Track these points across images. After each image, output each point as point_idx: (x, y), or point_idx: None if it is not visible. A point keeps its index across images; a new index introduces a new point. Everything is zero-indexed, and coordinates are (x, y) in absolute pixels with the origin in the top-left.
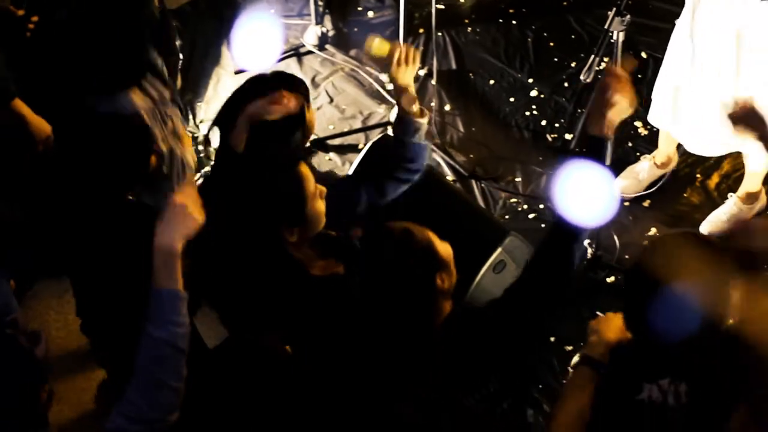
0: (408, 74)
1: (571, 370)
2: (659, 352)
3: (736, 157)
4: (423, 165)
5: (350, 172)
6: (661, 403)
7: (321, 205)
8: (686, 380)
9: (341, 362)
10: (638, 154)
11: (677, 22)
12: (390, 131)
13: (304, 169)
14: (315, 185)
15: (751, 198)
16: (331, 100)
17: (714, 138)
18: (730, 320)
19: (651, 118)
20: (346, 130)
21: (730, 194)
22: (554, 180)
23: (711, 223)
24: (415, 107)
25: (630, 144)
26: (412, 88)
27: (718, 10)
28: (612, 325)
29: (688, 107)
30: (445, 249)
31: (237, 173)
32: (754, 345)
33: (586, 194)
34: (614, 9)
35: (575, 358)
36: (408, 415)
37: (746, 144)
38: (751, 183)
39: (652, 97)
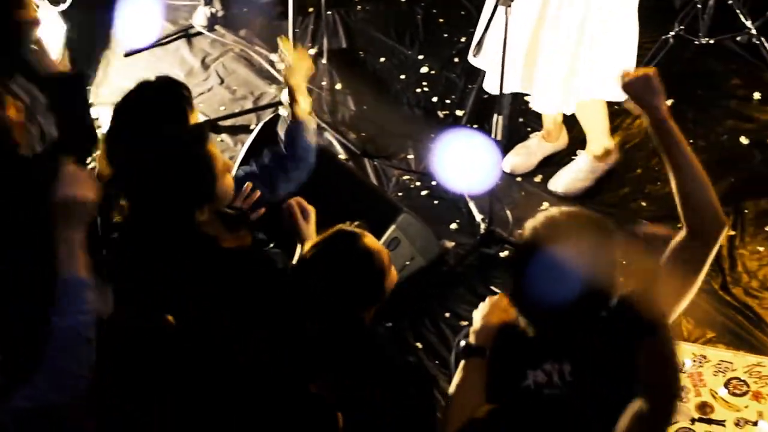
0: (298, 76)
1: (453, 358)
2: (542, 330)
3: (626, 132)
4: (313, 163)
5: (241, 154)
6: (546, 384)
7: (229, 181)
8: (569, 359)
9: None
10: (529, 130)
11: None
12: (281, 111)
13: (213, 147)
14: (223, 161)
15: (600, 154)
16: (222, 81)
17: (558, 94)
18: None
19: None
20: (237, 111)
21: (579, 151)
22: (438, 150)
23: (565, 183)
24: (307, 108)
25: (521, 119)
26: (304, 91)
27: None
28: (495, 309)
29: (537, 65)
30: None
31: (144, 155)
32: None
33: (467, 164)
34: None
35: (461, 341)
36: (322, 396)
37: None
38: (599, 137)
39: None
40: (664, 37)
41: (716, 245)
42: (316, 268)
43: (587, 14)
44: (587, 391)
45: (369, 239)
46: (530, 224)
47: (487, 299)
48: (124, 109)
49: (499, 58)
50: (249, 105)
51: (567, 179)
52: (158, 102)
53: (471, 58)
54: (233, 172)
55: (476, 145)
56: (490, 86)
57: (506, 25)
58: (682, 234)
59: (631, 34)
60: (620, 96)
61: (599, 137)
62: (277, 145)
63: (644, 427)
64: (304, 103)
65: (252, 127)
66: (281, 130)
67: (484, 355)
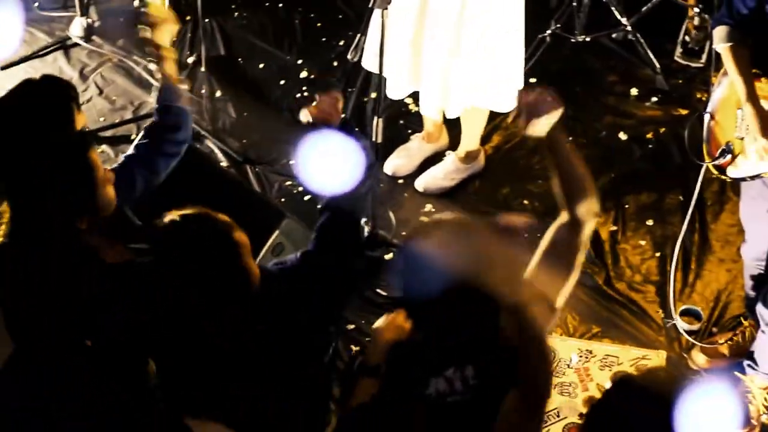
0: (166, 34)
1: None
2: (438, 335)
3: (506, 132)
4: (189, 135)
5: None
6: (448, 392)
7: (111, 191)
8: (471, 363)
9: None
10: (409, 132)
11: None
12: None
13: (94, 155)
14: (104, 170)
15: (469, 157)
16: (101, 92)
17: (441, 97)
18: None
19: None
20: (117, 121)
21: (448, 152)
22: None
23: (426, 181)
24: (175, 73)
25: (402, 121)
26: (171, 51)
27: None
28: (390, 326)
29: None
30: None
31: (23, 164)
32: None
33: (331, 162)
34: None
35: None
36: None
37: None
38: (470, 142)
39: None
40: (540, 36)
41: (588, 227)
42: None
43: (463, 18)
44: (492, 392)
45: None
46: (415, 226)
47: (384, 316)
48: (6, 109)
49: (394, 60)
50: (129, 115)
51: (429, 178)
52: (42, 104)
53: (365, 63)
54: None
55: (350, 147)
56: (393, 92)
57: (383, 27)
58: (558, 222)
59: (515, 42)
60: (503, 107)
61: (471, 141)
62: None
63: (517, 419)
64: (172, 65)
65: (133, 137)
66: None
67: (378, 374)
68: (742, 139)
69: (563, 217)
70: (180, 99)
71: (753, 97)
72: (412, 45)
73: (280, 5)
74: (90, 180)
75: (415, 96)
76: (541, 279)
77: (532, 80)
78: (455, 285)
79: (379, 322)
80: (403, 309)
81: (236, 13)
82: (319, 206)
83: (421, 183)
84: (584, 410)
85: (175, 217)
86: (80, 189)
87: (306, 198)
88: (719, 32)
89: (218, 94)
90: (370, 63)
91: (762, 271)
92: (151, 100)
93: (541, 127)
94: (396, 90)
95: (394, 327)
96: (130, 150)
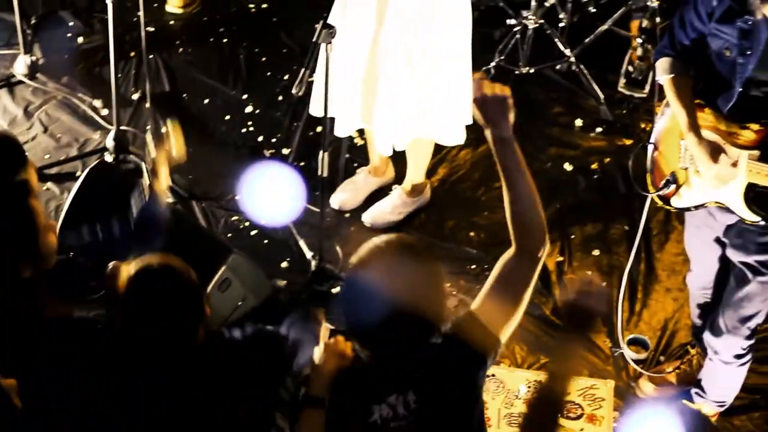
0: (170, 159)
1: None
2: (380, 362)
3: (451, 164)
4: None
5: (68, 202)
6: (392, 418)
7: (53, 239)
8: (412, 389)
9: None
10: (355, 165)
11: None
12: (107, 157)
13: (35, 202)
14: (45, 218)
15: (415, 191)
16: (46, 130)
17: (392, 131)
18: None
19: (337, 131)
20: (62, 158)
21: (394, 186)
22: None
23: (373, 215)
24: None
25: (348, 155)
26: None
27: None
28: (330, 355)
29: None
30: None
31: None
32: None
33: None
34: (321, 22)
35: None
36: None
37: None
38: (416, 175)
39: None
40: (485, 68)
41: (541, 263)
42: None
43: (414, 54)
44: (434, 416)
45: (176, 261)
46: (355, 254)
47: (321, 344)
48: None
49: (344, 98)
50: (74, 152)
51: (376, 212)
52: None
53: (312, 109)
54: (60, 222)
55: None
56: (341, 130)
57: (327, 62)
58: (510, 253)
59: (463, 76)
60: (451, 140)
61: (417, 174)
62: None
63: None
64: (165, 180)
65: (78, 174)
66: (135, 204)
67: (323, 405)
68: (686, 169)
69: (513, 249)
70: (161, 216)
71: (695, 128)
72: (363, 82)
73: (225, 40)
74: (30, 226)
75: (360, 129)
76: (488, 311)
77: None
78: (393, 311)
79: (318, 353)
80: (342, 336)
81: (181, 49)
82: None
83: (368, 217)
84: None
85: (137, 268)
86: (20, 234)
87: (252, 233)
88: (661, 63)
89: (163, 130)
90: (316, 108)
91: (708, 300)
92: (96, 137)
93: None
94: (345, 127)
95: (334, 356)
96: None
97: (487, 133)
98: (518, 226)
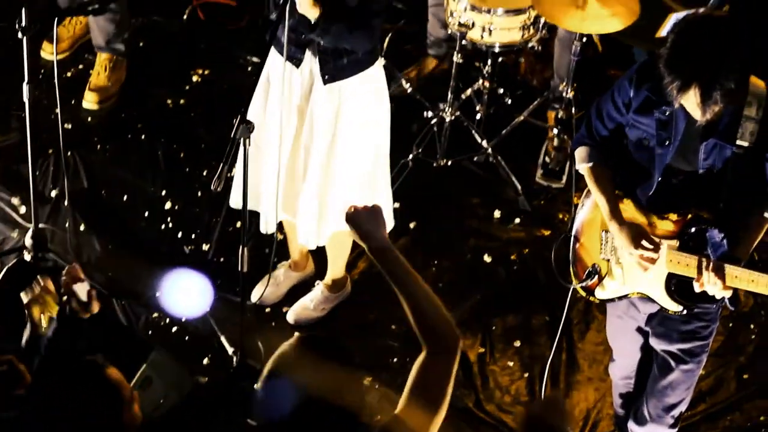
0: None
1: None
2: None
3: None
4: None
5: None
6: None
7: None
8: None
9: None
10: (275, 260)
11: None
12: (26, 255)
13: (113, 371)
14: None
15: (337, 286)
16: None
17: (313, 227)
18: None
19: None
20: None
21: (317, 282)
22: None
23: (296, 312)
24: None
25: (267, 250)
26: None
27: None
28: None
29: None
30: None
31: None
32: None
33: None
34: (239, 117)
35: None
36: None
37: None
38: (336, 269)
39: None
40: (403, 161)
41: (457, 357)
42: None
43: (333, 147)
44: None
45: (112, 371)
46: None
47: None
48: None
49: (268, 195)
50: None
51: (299, 309)
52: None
53: (232, 202)
54: None
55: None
56: (265, 226)
57: (245, 156)
58: (422, 356)
59: (383, 168)
60: None
61: (337, 269)
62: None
63: None
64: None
65: None
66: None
67: None
68: (607, 261)
69: (424, 351)
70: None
71: (616, 214)
72: (286, 176)
73: (143, 136)
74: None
75: (279, 223)
76: (412, 415)
77: (396, 205)
78: (308, 410)
79: None
80: None
81: (99, 146)
82: None
83: (291, 315)
84: None
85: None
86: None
87: (173, 330)
88: (580, 152)
89: (82, 227)
90: (236, 200)
91: (631, 390)
92: (14, 236)
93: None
94: (268, 224)
95: None
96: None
97: (366, 247)
98: (424, 330)
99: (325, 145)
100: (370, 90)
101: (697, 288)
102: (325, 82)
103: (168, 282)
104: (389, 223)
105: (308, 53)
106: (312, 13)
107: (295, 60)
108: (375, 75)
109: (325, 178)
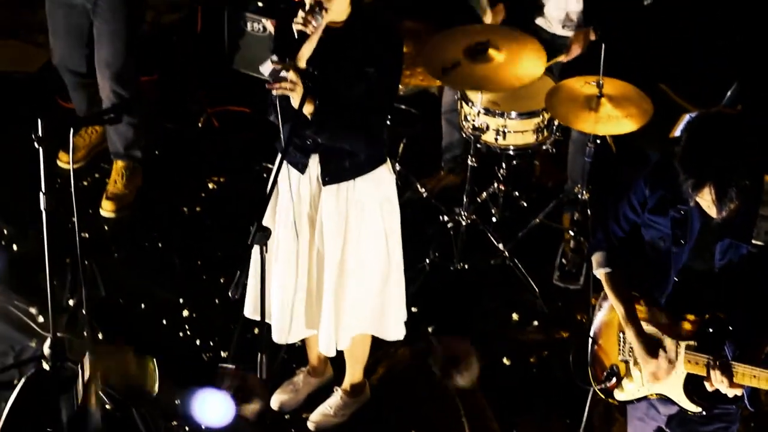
0: None
1: None
2: None
3: (390, 362)
4: None
5: (6, 411)
6: None
7: None
8: None
9: None
10: (294, 365)
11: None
12: (44, 365)
13: None
14: None
15: (356, 391)
16: None
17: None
18: None
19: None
20: None
21: (335, 388)
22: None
23: (317, 419)
24: None
25: (285, 356)
26: None
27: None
28: None
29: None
30: None
31: None
32: None
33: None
34: (255, 224)
35: None
36: None
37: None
38: (355, 374)
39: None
40: (420, 265)
41: None
42: None
43: (344, 256)
44: None
45: None
46: None
47: None
48: None
49: (286, 306)
50: (10, 361)
51: (320, 416)
52: None
53: (246, 311)
54: None
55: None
56: (278, 337)
57: (263, 263)
58: None
59: (393, 272)
60: (389, 335)
61: (356, 373)
62: None
63: None
64: None
65: (15, 383)
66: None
67: None
68: (626, 362)
69: None
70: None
71: (634, 321)
72: (305, 290)
73: (159, 245)
74: None
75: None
76: None
77: (414, 309)
78: None
79: None
80: None
81: (115, 254)
82: None
83: (312, 422)
84: None
85: None
86: None
87: None
88: (597, 258)
89: (100, 335)
90: (250, 311)
91: None
92: (33, 345)
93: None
94: (284, 335)
95: None
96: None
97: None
98: None
99: (336, 254)
100: (376, 197)
101: (708, 387)
102: (325, 183)
103: (188, 390)
104: (400, 333)
105: (314, 158)
106: (306, 108)
107: (300, 165)
108: (381, 179)
109: (339, 287)
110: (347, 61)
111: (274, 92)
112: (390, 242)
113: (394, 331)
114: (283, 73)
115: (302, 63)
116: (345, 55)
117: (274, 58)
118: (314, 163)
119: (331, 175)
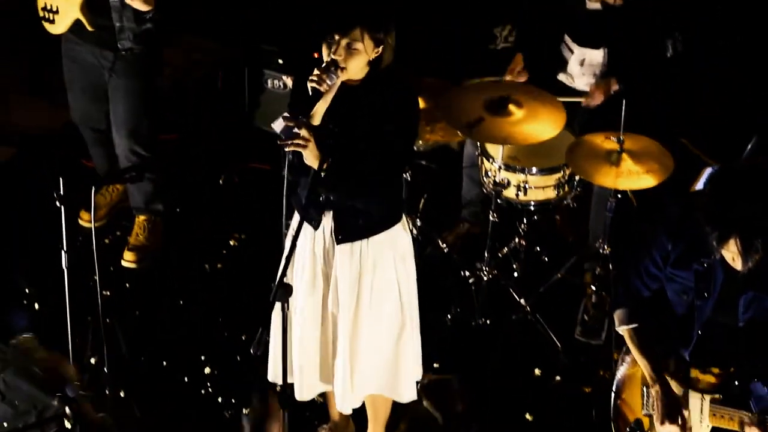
0: None
1: None
2: None
3: (412, 417)
4: None
5: None
6: None
7: None
8: None
9: None
10: (316, 423)
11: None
12: (66, 424)
13: None
14: None
15: None
16: (3, 398)
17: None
18: None
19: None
20: (20, 426)
21: None
22: None
23: None
24: None
25: (308, 413)
26: None
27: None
28: None
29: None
30: None
31: None
32: None
33: None
34: (277, 280)
35: None
36: None
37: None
38: (377, 430)
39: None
40: (441, 320)
41: None
42: None
43: (358, 313)
44: None
45: None
46: None
47: None
48: None
49: (304, 364)
50: (33, 419)
51: None
52: None
53: (270, 376)
54: None
55: None
56: (301, 395)
57: (285, 320)
58: None
59: (407, 329)
60: (404, 397)
61: (379, 429)
62: None
63: None
64: None
65: None
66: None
67: None
68: (649, 416)
69: None
70: None
71: (661, 379)
72: (321, 346)
73: (181, 302)
74: None
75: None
76: None
77: (436, 365)
78: None
79: None
80: None
81: (137, 312)
82: None
83: None
84: None
85: None
86: None
87: None
88: (619, 315)
89: (122, 394)
90: (274, 374)
91: None
92: (55, 404)
93: None
94: (306, 391)
95: None
96: None
97: None
98: None
99: (349, 313)
100: (391, 255)
101: None
102: (338, 242)
103: None
104: (413, 394)
105: (327, 215)
106: (319, 164)
107: (315, 222)
108: (396, 237)
109: (353, 345)
110: (364, 118)
111: (286, 149)
112: (404, 301)
113: (407, 392)
114: (296, 130)
115: (316, 120)
116: (362, 113)
117: (286, 115)
118: (328, 219)
119: (344, 234)
